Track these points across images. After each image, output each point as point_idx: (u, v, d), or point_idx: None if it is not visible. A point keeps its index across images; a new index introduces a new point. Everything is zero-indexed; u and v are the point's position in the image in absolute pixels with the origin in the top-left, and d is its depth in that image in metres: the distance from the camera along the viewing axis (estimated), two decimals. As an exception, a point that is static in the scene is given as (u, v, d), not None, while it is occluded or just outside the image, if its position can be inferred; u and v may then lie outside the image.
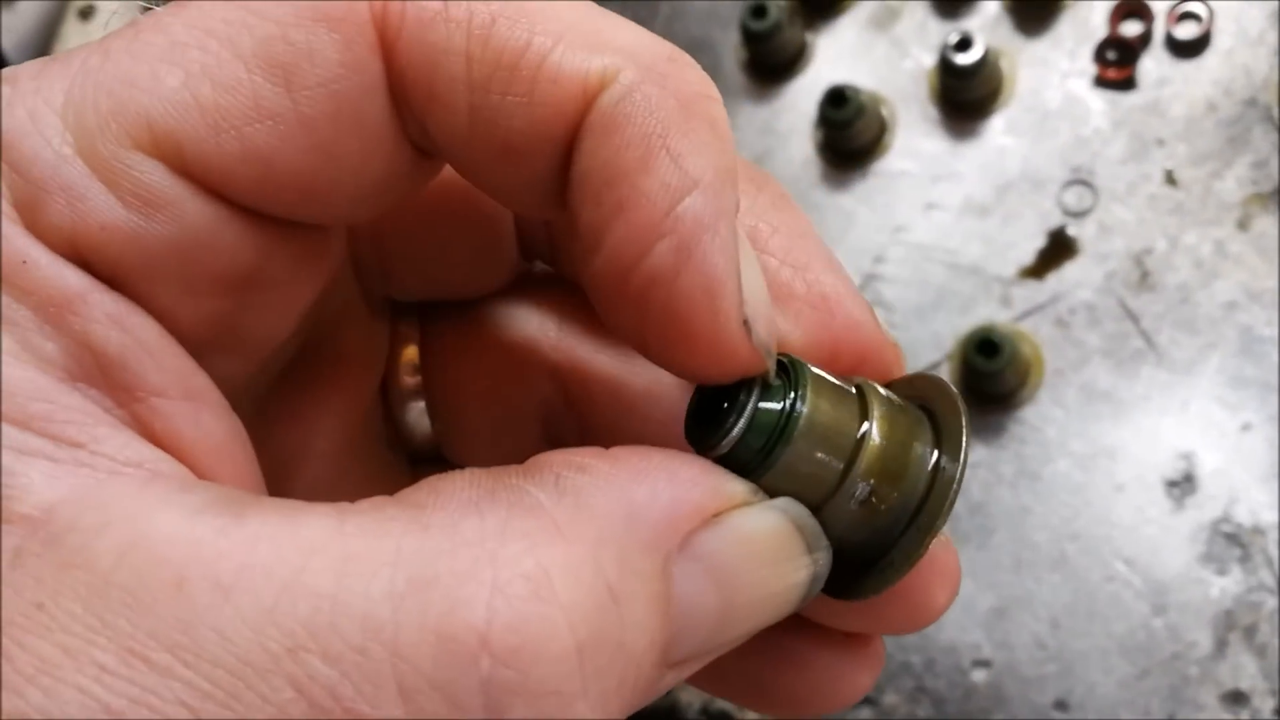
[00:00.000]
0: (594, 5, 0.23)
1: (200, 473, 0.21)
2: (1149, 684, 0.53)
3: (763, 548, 0.22)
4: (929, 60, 0.63)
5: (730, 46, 0.67)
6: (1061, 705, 0.53)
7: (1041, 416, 0.57)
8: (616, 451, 0.21)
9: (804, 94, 0.64)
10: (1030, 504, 0.56)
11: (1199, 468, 0.54)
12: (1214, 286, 0.56)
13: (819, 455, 0.24)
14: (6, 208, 0.19)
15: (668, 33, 0.68)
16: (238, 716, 0.17)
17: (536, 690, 0.18)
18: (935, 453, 0.25)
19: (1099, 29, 0.60)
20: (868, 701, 0.56)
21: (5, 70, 0.21)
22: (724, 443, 0.23)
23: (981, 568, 0.56)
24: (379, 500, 0.20)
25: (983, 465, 0.57)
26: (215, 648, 0.17)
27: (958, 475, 0.24)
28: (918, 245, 0.60)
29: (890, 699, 0.56)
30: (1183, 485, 0.54)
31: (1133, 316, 0.56)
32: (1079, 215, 0.58)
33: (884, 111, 0.62)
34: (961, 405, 0.25)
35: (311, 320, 0.26)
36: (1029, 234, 0.59)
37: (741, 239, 0.22)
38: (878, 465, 0.24)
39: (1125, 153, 0.58)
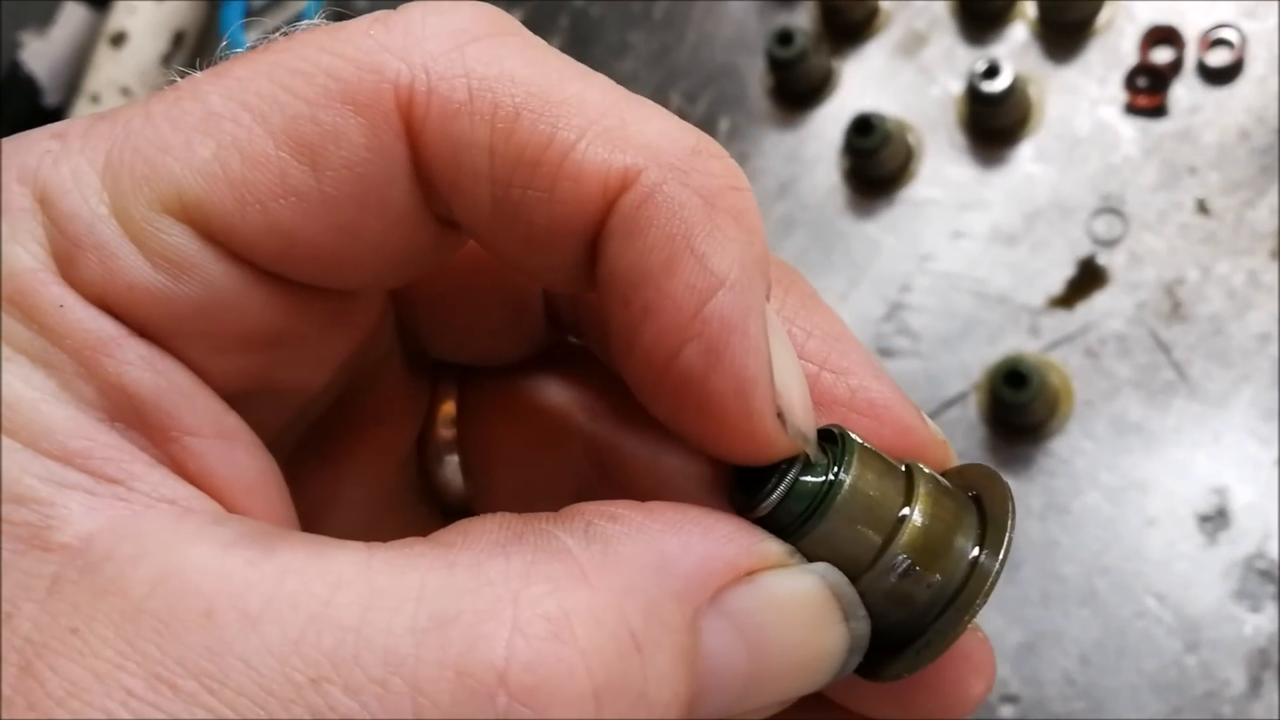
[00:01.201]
0: (621, 93, 0.22)
1: (233, 508, 0.21)
2: (1181, 722, 0.52)
3: (797, 611, 0.22)
4: (956, 87, 0.62)
5: (756, 73, 0.66)
6: (1091, 743, 0.52)
7: (1071, 448, 0.56)
8: (652, 505, 0.21)
9: (830, 121, 0.64)
10: (1059, 537, 0.55)
11: (1232, 502, 0.53)
12: (1247, 318, 0.55)
13: (859, 527, 0.23)
14: (44, 257, 0.20)
15: (694, 60, 0.68)
16: None
17: None
18: (978, 537, 0.24)
19: (1129, 56, 0.59)
20: (894, 737, 0.55)
21: (58, 125, 0.22)
22: (763, 506, 0.23)
23: (1010, 602, 0.55)
24: (409, 540, 0.20)
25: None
26: (241, 676, 0.18)
27: (1001, 558, 0.24)
28: (945, 274, 0.60)
29: (916, 735, 0.55)
30: (1215, 520, 0.53)
31: (1164, 347, 0.56)
32: (1109, 244, 0.58)
33: (911, 139, 0.62)
34: (1009, 493, 0.25)
35: (348, 372, 0.26)
36: (1058, 263, 0.58)
37: (774, 323, 0.22)
38: (919, 543, 0.24)
39: (1156, 181, 0.58)
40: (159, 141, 0.21)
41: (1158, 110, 0.58)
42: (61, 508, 0.19)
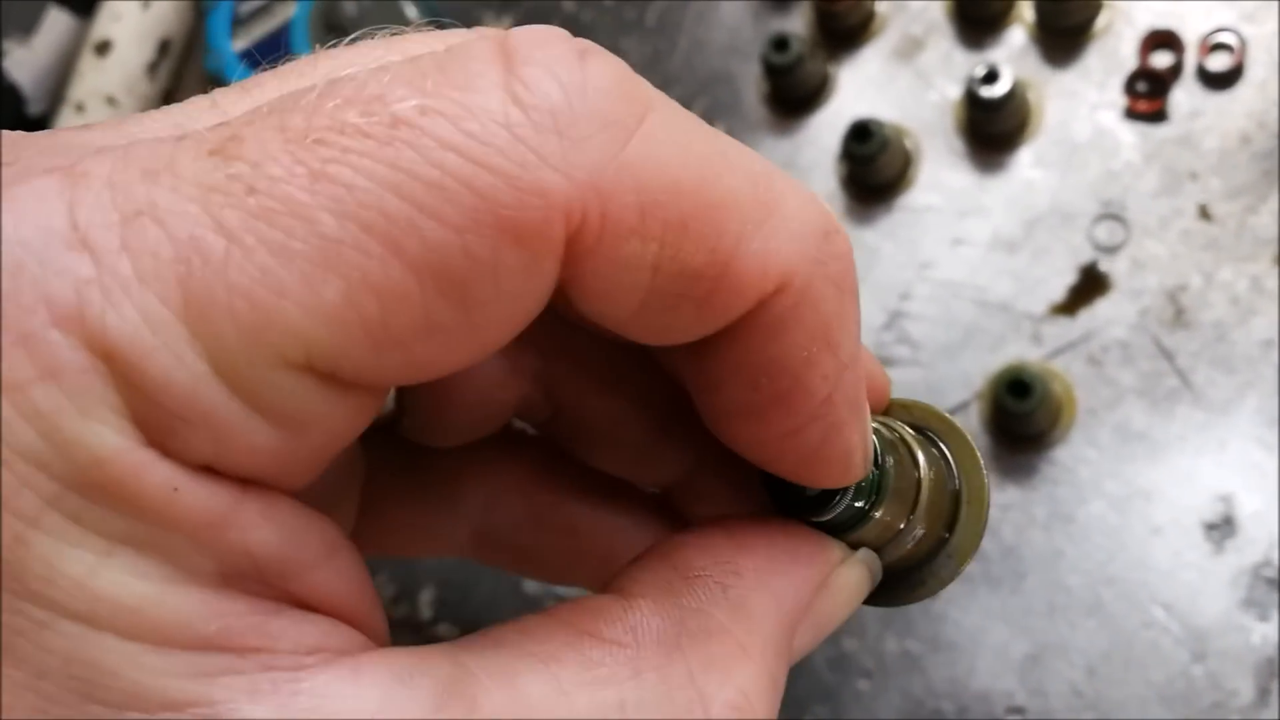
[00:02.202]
0: (762, 172, 0.21)
1: (354, 618, 0.20)
2: (1189, 734, 0.51)
3: (851, 595, 0.26)
4: (954, 92, 0.62)
5: (751, 79, 0.66)
6: (1099, 755, 0.52)
7: (1074, 457, 0.55)
8: (743, 539, 0.24)
9: (826, 127, 0.63)
10: (1063, 547, 0.55)
11: (1238, 510, 0.53)
12: (1251, 324, 0.54)
13: (896, 507, 0.27)
14: (131, 431, 0.17)
15: (687, 66, 0.67)
16: None
17: None
18: (958, 482, 0.28)
19: (1128, 60, 0.59)
20: (899, 750, 0.55)
21: (72, 221, 0.16)
22: (833, 514, 0.26)
23: (1014, 612, 0.54)
24: (574, 640, 0.20)
25: (1014, 507, 0.56)
26: None
27: (986, 505, 0.28)
28: (945, 282, 0.59)
29: (922, 748, 0.55)
30: (1222, 528, 0.53)
31: (1167, 355, 0.55)
32: (1110, 250, 0.57)
33: (908, 145, 0.61)
34: (965, 430, 0.29)
35: None
36: (1059, 270, 0.58)
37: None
38: (926, 505, 0.27)
39: (1157, 186, 0.57)
40: (264, 278, 0.17)
41: (1158, 115, 0.58)
42: (224, 703, 0.17)
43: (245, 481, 0.18)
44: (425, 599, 0.65)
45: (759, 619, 0.23)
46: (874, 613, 0.56)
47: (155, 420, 0.17)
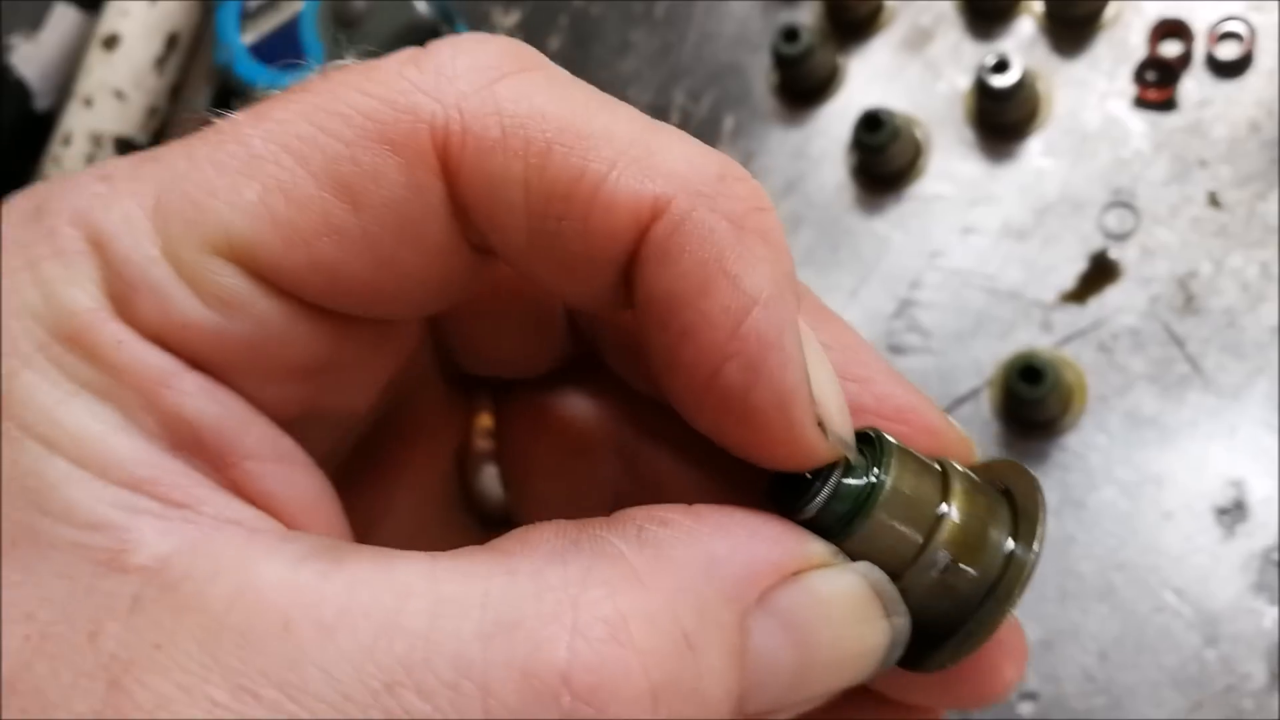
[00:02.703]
0: (647, 122, 0.23)
1: (294, 527, 0.23)
2: (1202, 717, 0.51)
3: (841, 608, 0.23)
4: (964, 82, 0.62)
5: (761, 70, 0.66)
6: (1112, 739, 0.52)
7: (1085, 443, 0.56)
8: (699, 508, 0.22)
9: (836, 118, 0.64)
10: (1075, 533, 0.55)
11: (1249, 495, 0.53)
12: (1260, 310, 0.55)
13: (900, 525, 0.24)
14: (101, 298, 0.21)
15: (696, 58, 0.68)
16: None
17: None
18: (1012, 529, 0.26)
19: (1138, 49, 0.59)
20: (911, 736, 0.55)
21: (105, 166, 0.23)
22: (808, 509, 0.24)
23: (1027, 599, 0.54)
24: (469, 549, 0.21)
25: (1026, 494, 0.56)
26: (319, 684, 0.19)
27: (1035, 549, 0.25)
28: (955, 270, 0.59)
29: (935, 734, 0.55)
30: (1233, 513, 0.53)
31: (1178, 341, 0.55)
32: (1120, 238, 0.57)
33: (918, 134, 0.61)
34: (1037, 485, 0.26)
35: (391, 394, 0.27)
36: (1069, 257, 0.58)
37: (807, 335, 0.23)
38: (958, 539, 0.24)
39: (1167, 174, 0.57)
40: (205, 185, 0.22)
41: (1167, 104, 0.58)
42: (135, 532, 0.20)
43: (194, 364, 0.22)
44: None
45: (674, 564, 0.21)
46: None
47: (119, 290, 0.21)
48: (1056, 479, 0.56)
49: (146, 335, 0.22)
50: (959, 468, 0.26)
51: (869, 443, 0.25)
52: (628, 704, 0.20)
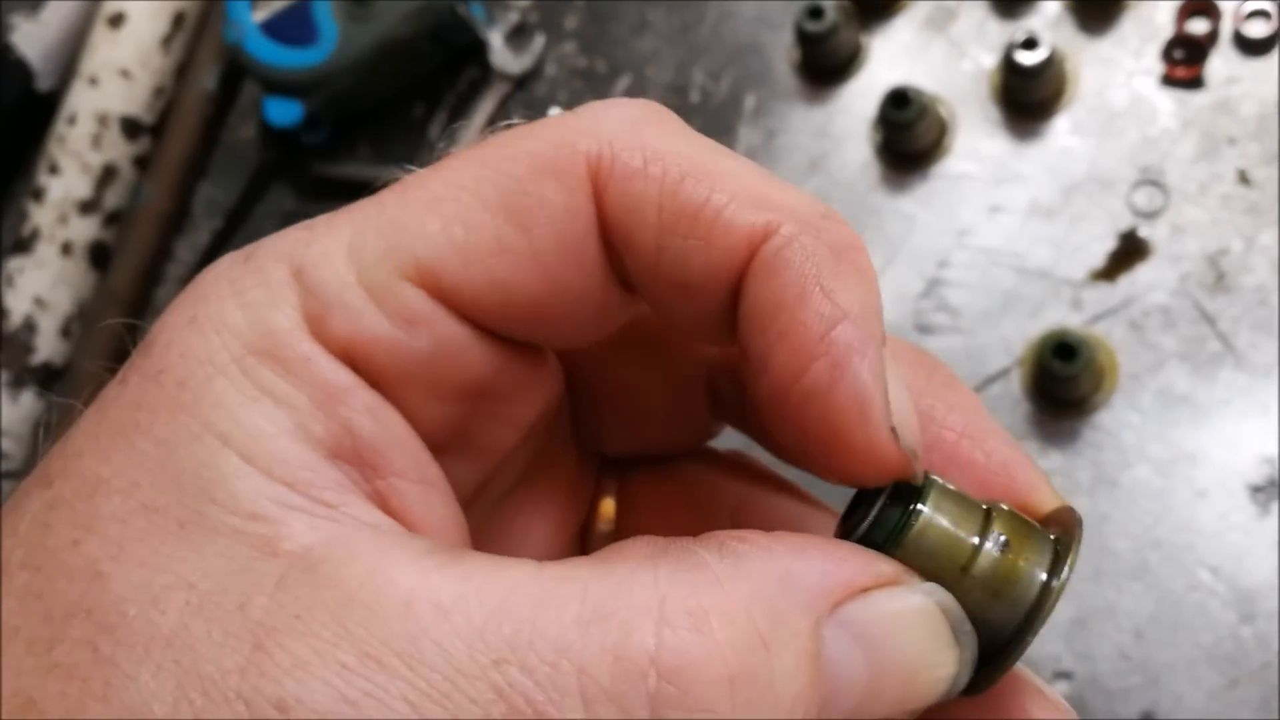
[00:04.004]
0: (765, 172, 0.26)
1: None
2: (1238, 695, 0.51)
3: (911, 624, 0.24)
4: (988, 61, 0.61)
5: (781, 49, 0.65)
6: (1148, 718, 0.52)
7: (1118, 422, 0.55)
8: (779, 533, 0.24)
9: (860, 96, 0.63)
10: (1109, 511, 0.55)
11: (1283, 472, 0.53)
12: (1293, 287, 0.55)
13: (937, 552, 0.25)
14: (297, 319, 0.24)
15: (716, 37, 0.67)
16: (449, 714, 0.21)
17: (693, 706, 0.22)
18: (1051, 565, 0.26)
19: (1164, 27, 0.59)
20: (944, 717, 0.55)
21: (307, 221, 0.26)
22: (860, 529, 0.25)
23: (1059, 577, 0.54)
24: (573, 558, 0.24)
25: (1059, 473, 0.56)
26: (434, 656, 0.21)
27: (1063, 578, 0.26)
28: (983, 249, 0.59)
29: (968, 714, 0.54)
30: (1267, 490, 0.53)
31: (1209, 319, 0.55)
32: (1150, 216, 0.57)
33: (943, 113, 0.61)
34: (1078, 520, 0.27)
35: (530, 447, 0.30)
36: (1098, 236, 0.58)
37: (889, 361, 0.25)
38: (992, 569, 0.25)
39: (1196, 152, 0.57)
40: (394, 221, 0.25)
41: (1195, 82, 0.58)
42: (287, 525, 0.23)
43: (374, 382, 0.25)
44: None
45: (752, 574, 0.23)
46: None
47: (314, 312, 0.24)
48: (1089, 458, 0.55)
49: (336, 353, 0.25)
50: (1006, 508, 0.27)
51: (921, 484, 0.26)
52: (707, 687, 0.22)
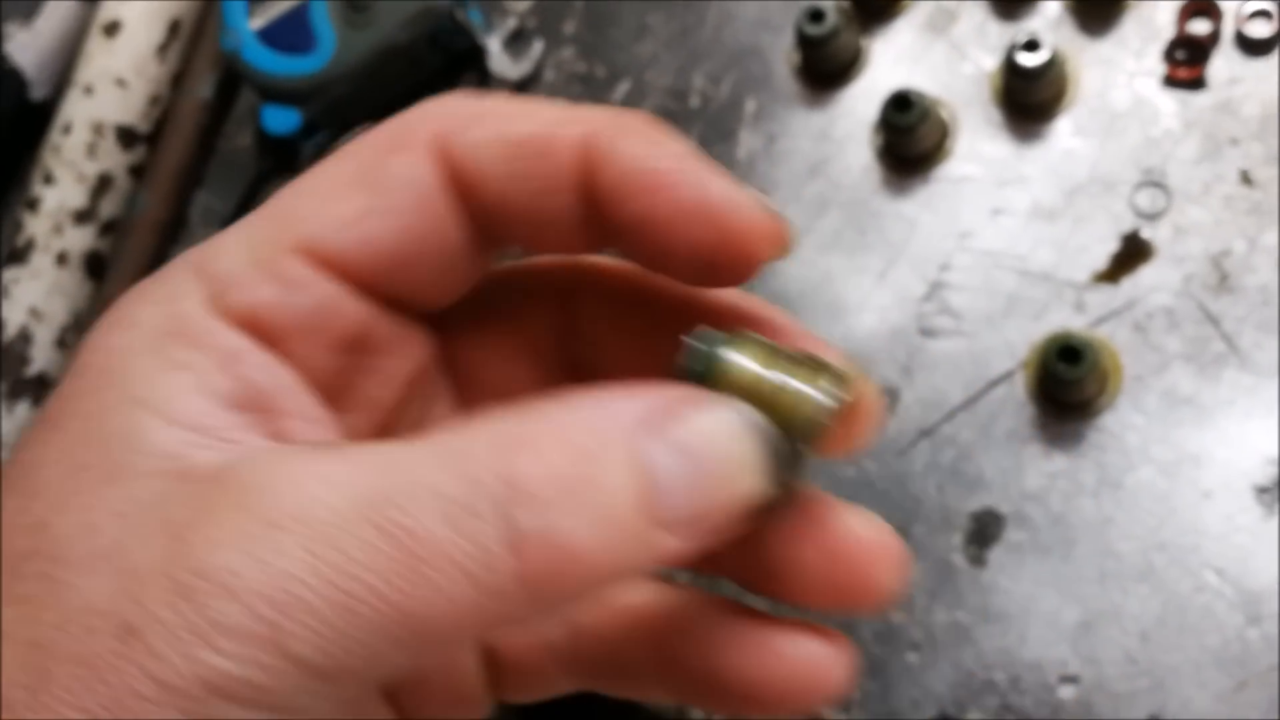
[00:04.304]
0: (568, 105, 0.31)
1: None
2: (1247, 697, 0.51)
3: (725, 434, 0.28)
4: (989, 63, 0.61)
5: (782, 52, 0.65)
6: (1156, 721, 0.52)
7: (1122, 424, 0.55)
8: (605, 388, 0.28)
9: (861, 99, 0.63)
10: (1113, 514, 0.54)
11: (1289, 473, 0.53)
12: (1297, 287, 0.54)
13: (743, 383, 0.29)
14: (201, 303, 0.29)
15: (716, 41, 0.67)
16: (341, 555, 0.24)
17: (535, 505, 0.25)
18: (835, 387, 0.29)
19: (1165, 28, 0.59)
20: (951, 721, 0.54)
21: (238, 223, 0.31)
22: (675, 370, 0.29)
23: (1065, 580, 0.54)
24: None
25: (1062, 475, 0.55)
26: (324, 514, 0.25)
27: (843, 399, 0.29)
28: (986, 252, 0.59)
29: (974, 717, 0.54)
30: (1273, 491, 0.53)
31: (1213, 320, 0.55)
32: (1152, 218, 0.57)
33: (945, 115, 0.61)
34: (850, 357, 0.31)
35: (418, 411, 0.34)
36: (1101, 238, 0.58)
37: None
38: (787, 397, 0.29)
39: (1198, 153, 0.57)
40: (275, 211, 0.30)
41: (1196, 83, 0.58)
42: (197, 457, 0.27)
43: (268, 342, 0.29)
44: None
45: (580, 407, 0.27)
46: (921, 584, 0.56)
47: (215, 293, 0.29)
48: (1093, 459, 0.55)
49: (235, 323, 0.29)
50: (795, 351, 0.30)
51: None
52: (545, 489, 0.25)
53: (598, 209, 0.30)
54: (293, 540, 0.24)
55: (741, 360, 0.29)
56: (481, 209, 0.30)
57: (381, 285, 0.30)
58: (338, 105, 0.68)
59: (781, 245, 0.30)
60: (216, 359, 0.28)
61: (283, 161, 0.71)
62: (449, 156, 0.30)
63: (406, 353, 0.33)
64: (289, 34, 0.68)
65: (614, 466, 0.26)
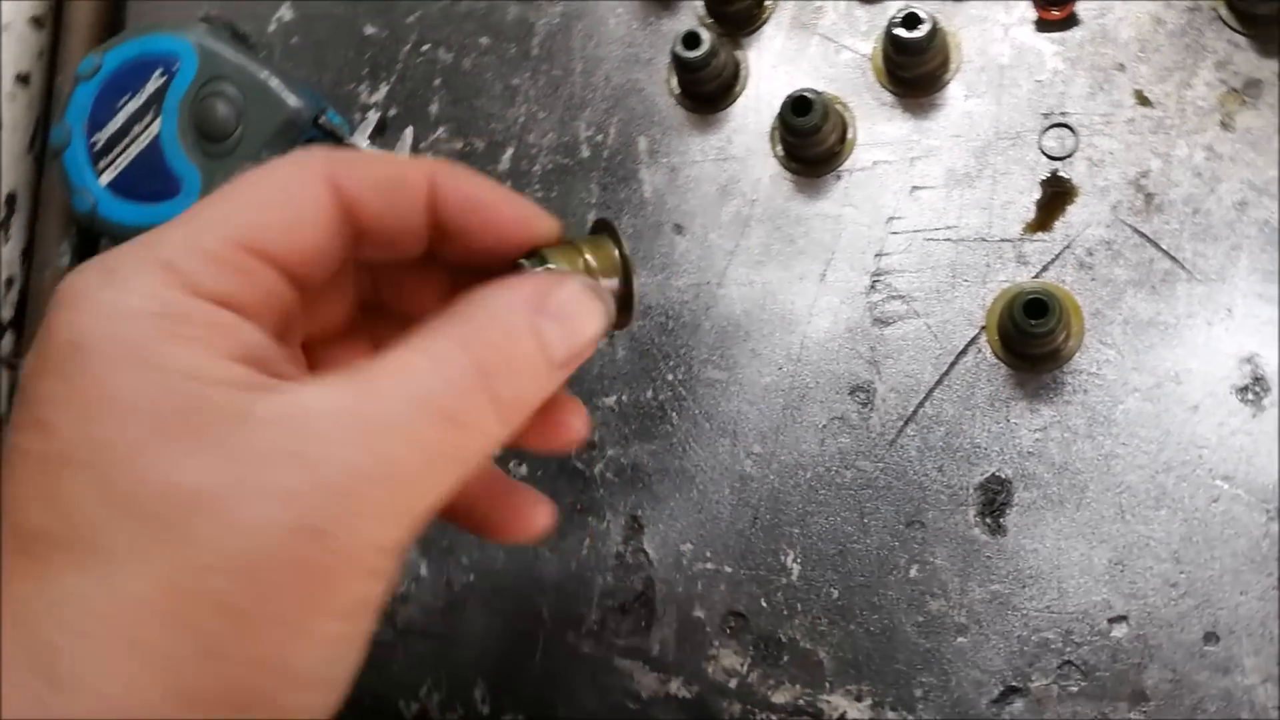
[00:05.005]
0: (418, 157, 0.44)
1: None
2: (1288, 590, 0.52)
3: (579, 296, 0.40)
4: (866, 48, 0.62)
5: (659, 83, 0.64)
6: (1211, 637, 0.52)
7: (1095, 361, 0.56)
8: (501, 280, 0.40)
9: (751, 112, 0.63)
10: (1112, 449, 0.55)
11: (1264, 366, 0.54)
12: (1220, 190, 0.56)
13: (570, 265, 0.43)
14: (178, 286, 0.36)
15: (588, 86, 0.66)
16: (419, 433, 0.36)
17: (496, 383, 0.37)
18: (619, 249, 0.44)
19: (1025, -24, 0.60)
20: (1016, 691, 0.54)
21: (139, 238, 0.37)
22: (528, 267, 0.42)
23: (1086, 525, 0.55)
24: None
25: (1054, 425, 0.56)
26: (320, 449, 0.34)
27: (625, 251, 0.44)
28: (916, 230, 0.59)
29: (1039, 682, 0.54)
30: (1254, 387, 0.54)
31: (1151, 240, 0.56)
32: (1065, 158, 0.58)
33: (839, 108, 0.61)
34: (609, 224, 0.45)
35: (337, 329, 0.45)
36: (1022, 189, 0.58)
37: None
38: (598, 264, 0.43)
39: (1090, 86, 0.58)
40: (206, 218, 0.38)
41: (1069, 20, 0.59)
42: (227, 400, 0.34)
43: (243, 315, 0.37)
44: (478, 695, 0.61)
45: (487, 298, 0.38)
46: (949, 567, 0.56)
47: (188, 282, 0.36)
48: (1079, 403, 0.56)
49: (215, 304, 0.36)
50: (583, 241, 0.44)
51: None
52: (496, 365, 0.37)
53: (438, 221, 0.41)
54: (392, 433, 0.34)
55: (557, 254, 0.42)
56: (358, 223, 0.40)
57: (297, 272, 0.39)
58: (218, 242, 0.64)
59: (552, 228, 0.43)
60: (216, 330, 0.35)
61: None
62: (338, 187, 0.39)
63: (330, 303, 0.44)
64: (146, 180, 0.64)
65: (526, 342, 0.38)
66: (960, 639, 0.55)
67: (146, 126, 0.64)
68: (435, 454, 0.35)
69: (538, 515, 0.46)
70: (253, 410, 0.33)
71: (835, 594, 0.57)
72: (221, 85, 0.63)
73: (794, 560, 0.57)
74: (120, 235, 0.64)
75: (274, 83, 0.63)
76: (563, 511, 0.60)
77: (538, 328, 0.38)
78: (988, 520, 0.56)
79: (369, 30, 0.69)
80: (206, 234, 0.36)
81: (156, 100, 0.64)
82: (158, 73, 0.64)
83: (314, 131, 0.64)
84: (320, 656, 0.33)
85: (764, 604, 0.57)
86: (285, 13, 0.71)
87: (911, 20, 0.58)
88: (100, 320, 0.34)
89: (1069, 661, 0.54)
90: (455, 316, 0.37)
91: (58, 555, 0.31)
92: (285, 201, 0.38)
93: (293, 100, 0.63)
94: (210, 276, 0.36)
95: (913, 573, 0.56)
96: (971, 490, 0.56)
